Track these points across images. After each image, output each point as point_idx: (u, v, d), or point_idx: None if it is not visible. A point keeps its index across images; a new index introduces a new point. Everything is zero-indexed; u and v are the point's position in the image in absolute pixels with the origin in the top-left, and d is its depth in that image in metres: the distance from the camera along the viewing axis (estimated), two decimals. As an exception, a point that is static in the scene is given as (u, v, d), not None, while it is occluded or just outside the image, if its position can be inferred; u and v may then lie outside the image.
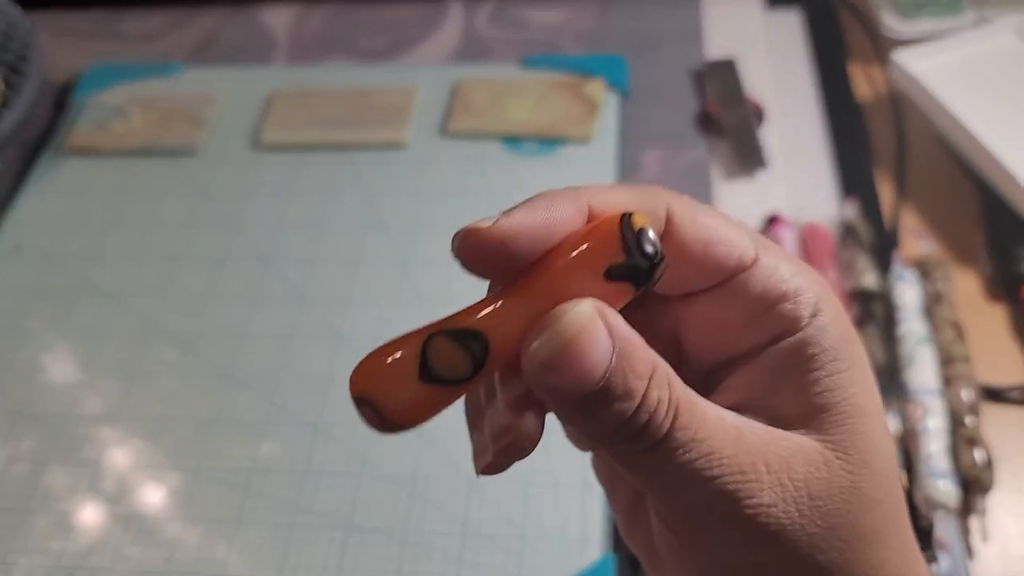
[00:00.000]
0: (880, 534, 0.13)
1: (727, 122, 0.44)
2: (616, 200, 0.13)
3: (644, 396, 0.12)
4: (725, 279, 0.13)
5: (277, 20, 0.54)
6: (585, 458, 0.34)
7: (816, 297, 0.13)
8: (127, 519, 0.33)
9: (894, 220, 0.40)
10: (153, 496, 0.34)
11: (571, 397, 0.12)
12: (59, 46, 0.54)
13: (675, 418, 0.12)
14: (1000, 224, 0.38)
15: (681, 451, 0.12)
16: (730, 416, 0.13)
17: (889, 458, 0.13)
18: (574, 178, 0.43)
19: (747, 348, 0.13)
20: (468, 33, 0.52)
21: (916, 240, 0.38)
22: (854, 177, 0.42)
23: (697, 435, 0.12)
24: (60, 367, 0.39)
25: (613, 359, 0.12)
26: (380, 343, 0.13)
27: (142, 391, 0.37)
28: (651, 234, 0.12)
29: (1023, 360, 0.35)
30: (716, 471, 0.12)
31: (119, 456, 0.35)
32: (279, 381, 0.37)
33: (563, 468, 0.33)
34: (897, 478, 0.14)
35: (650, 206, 0.13)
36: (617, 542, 0.31)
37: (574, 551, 0.31)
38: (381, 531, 0.32)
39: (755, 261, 0.13)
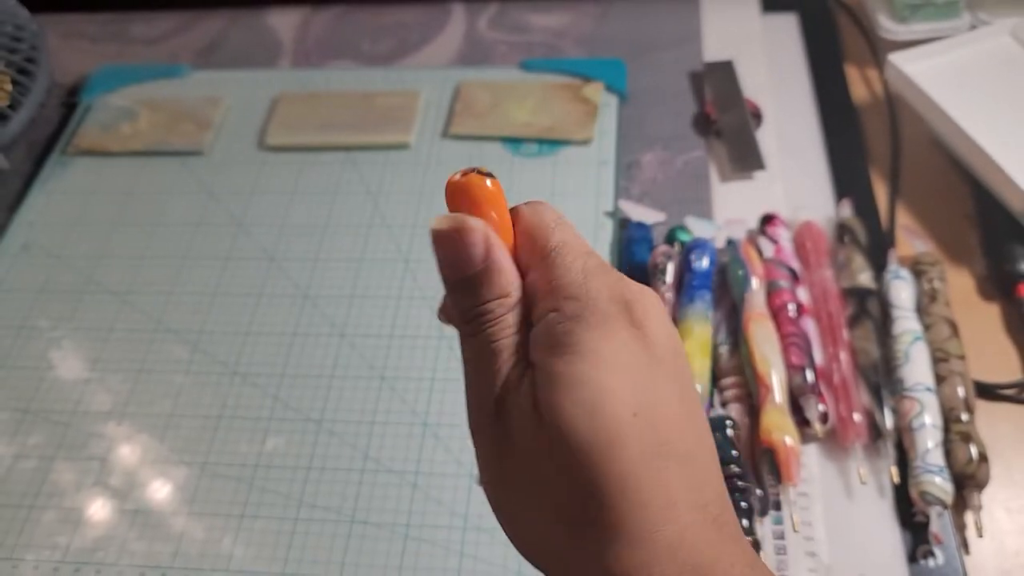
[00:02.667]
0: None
1: (725, 124, 0.45)
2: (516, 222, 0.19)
3: (486, 303, 0.17)
4: (532, 266, 0.18)
5: (282, 24, 0.55)
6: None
7: (569, 296, 0.17)
8: (133, 514, 0.34)
9: (889, 219, 0.41)
10: (159, 491, 0.34)
11: (449, 270, 0.18)
12: (67, 48, 0.55)
13: (492, 327, 0.17)
14: (994, 223, 0.39)
15: (483, 347, 0.18)
16: (519, 358, 0.18)
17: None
18: (574, 179, 0.44)
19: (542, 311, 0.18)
20: (470, 37, 0.53)
21: (911, 239, 0.39)
22: (850, 177, 0.43)
23: (488, 345, 0.18)
24: (67, 364, 0.39)
25: (481, 262, 0.17)
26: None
27: (148, 388, 0.38)
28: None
29: (1017, 357, 0.36)
30: (486, 365, 0.18)
31: (125, 452, 0.36)
32: (284, 378, 0.37)
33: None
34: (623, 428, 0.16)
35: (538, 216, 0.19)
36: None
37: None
38: (384, 525, 0.33)
39: (550, 252, 0.18)
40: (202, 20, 0.56)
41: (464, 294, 0.18)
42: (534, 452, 0.16)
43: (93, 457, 0.36)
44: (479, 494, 0.33)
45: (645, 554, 0.15)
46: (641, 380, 0.16)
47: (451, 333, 0.38)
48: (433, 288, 0.40)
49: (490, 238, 0.17)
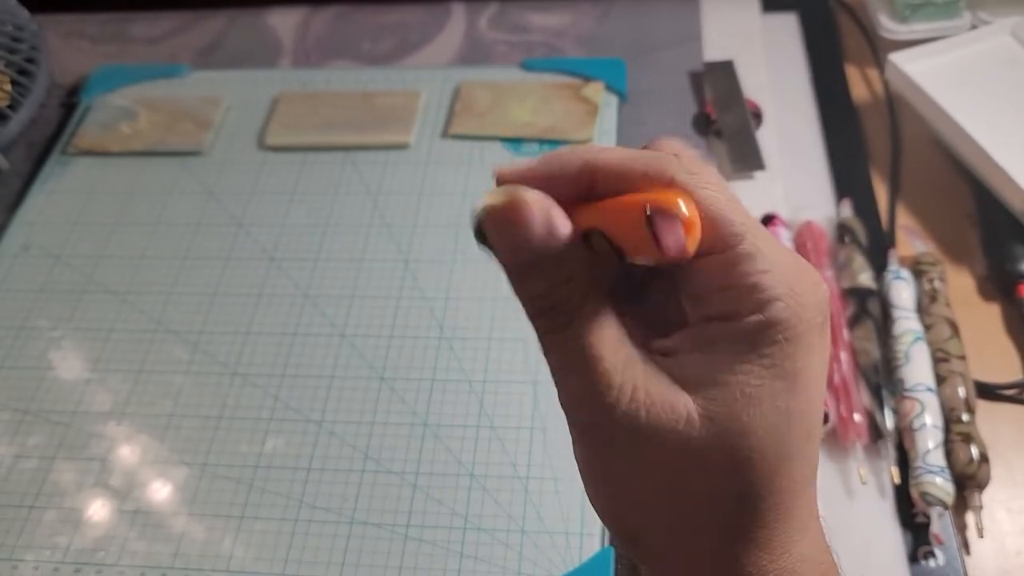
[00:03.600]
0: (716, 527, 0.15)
1: (725, 123, 0.45)
2: (622, 167, 0.15)
3: (557, 286, 0.15)
4: (712, 252, 0.15)
5: (282, 24, 0.55)
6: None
7: (775, 299, 0.14)
8: (133, 515, 0.34)
9: (890, 219, 0.41)
10: (159, 492, 0.35)
11: (506, 248, 0.15)
12: (67, 48, 0.55)
13: (573, 319, 0.15)
14: (995, 223, 0.39)
15: (567, 345, 0.15)
16: (628, 350, 0.15)
17: (765, 457, 0.15)
18: (574, 179, 0.43)
19: (705, 314, 0.15)
20: (470, 37, 0.53)
21: (911, 239, 0.39)
22: (850, 177, 0.43)
23: (586, 339, 0.15)
24: (67, 365, 0.39)
25: (541, 241, 0.15)
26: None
27: (149, 388, 0.38)
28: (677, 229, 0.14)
29: (1017, 357, 0.36)
30: (588, 365, 0.15)
31: (126, 452, 0.36)
32: (284, 378, 0.37)
33: (562, 463, 0.34)
34: (775, 484, 0.15)
35: (651, 169, 0.15)
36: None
37: (573, 545, 0.31)
38: (383, 526, 0.33)
39: (739, 242, 0.15)
40: (202, 20, 0.56)
41: (525, 278, 0.15)
42: (675, 460, 0.15)
43: (93, 457, 0.36)
44: (479, 494, 0.33)
45: (784, 562, 0.15)
46: (820, 399, 0.15)
47: (451, 333, 0.38)
48: (433, 288, 0.40)
49: (554, 210, 0.15)
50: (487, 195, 0.15)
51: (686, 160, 0.15)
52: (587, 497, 0.17)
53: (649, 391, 0.15)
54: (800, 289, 0.15)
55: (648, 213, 0.14)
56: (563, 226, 0.15)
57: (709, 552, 0.15)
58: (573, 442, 0.17)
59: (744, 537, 0.15)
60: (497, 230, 0.15)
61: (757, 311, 0.14)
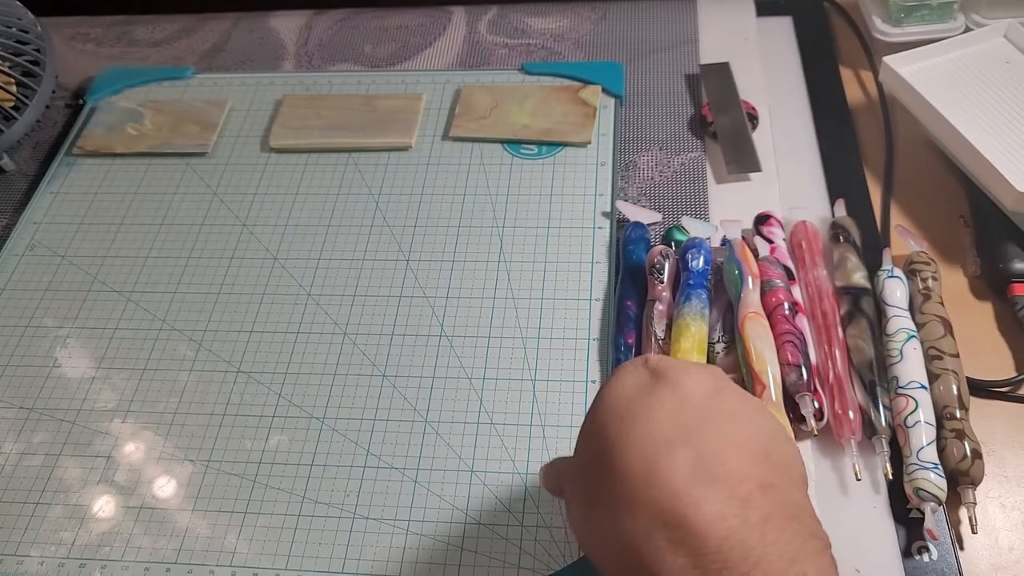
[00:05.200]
0: None
1: (721, 125, 0.45)
2: None
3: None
4: None
5: (286, 27, 0.56)
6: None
7: None
8: (138, 511, 0.34)
9: (883, 219, 0.41)
10: (164, 488, 0.35)
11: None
12: (72, 51, 0.56)
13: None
14: (987, 223, 0.39)
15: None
16: None
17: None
18: (573, 180, 0.44)
19: None
20: (470, 40, 0.53)
21: (905, 239, 0.39)
22: (844, 178, 0.43)
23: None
24: (73, 363, 0.40)
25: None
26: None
27: (153, 386, 0.38)
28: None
29: (1009, 355, 0.36)
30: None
31: (130, 449, 0.36)
32: (287, 376, 0.38)
33: (562, 460, 0.34)
34: None
35: None
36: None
37: (572, 539, 0.32)
38: (385, 520, 0.33)
39: None
40: (206, 23, 0.56)
41: None
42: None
43: (98, 454, 0.36)
44: (479, 489, 0.34)
45: None
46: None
47: (451, 332, 0.39)
48: (434, 287, 0.40)
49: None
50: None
51: None
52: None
53: None
54: None
55: None
56: None
57: None
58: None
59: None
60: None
61: None
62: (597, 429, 0.19)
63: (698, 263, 0.37)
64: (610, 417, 0.19)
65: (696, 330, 0.35)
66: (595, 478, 0.18)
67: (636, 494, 0.17)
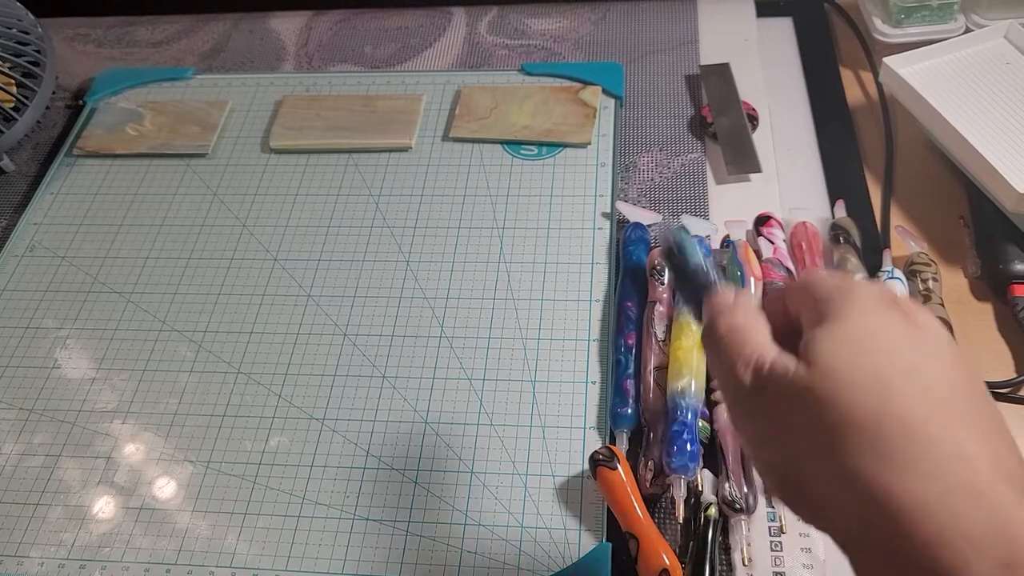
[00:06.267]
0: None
1: (721, 126, 0.45)
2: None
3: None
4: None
5: (286, 28, 0.56)
6: (581, 449, 0.34)
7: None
8: (138, 511, 0.34)
9: (883, 220, 0.41)
10: (164, 489, 0.35)
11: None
12: (72, 51, 0.56)
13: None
14: (987, 224, 0.39)
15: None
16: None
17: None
18: (573, 181, 0.44)
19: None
20: (471, 41, 0.53)
21: (905, 240, 0.39)
22: (845, 179, 0.43)
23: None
24: (73, 364, 0.40)
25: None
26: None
27: (154, 387, 0.38)
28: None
29: (1010, 356, 0.36)
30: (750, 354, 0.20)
31: (131, 450, 0.36)
32: (287, 376, 0.38)
33: (561, 458, 0.34)
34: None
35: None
36: (613, 531, 0.32)
37: (572, 540, 0.32)
38: (385, 522, 0.33)
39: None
40: (206, 24, 0.56)
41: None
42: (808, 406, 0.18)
43: (99, 455, 0.36)
44: (479, 490, 0.34)
45: (939, 489, 0.16)
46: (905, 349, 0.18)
47: (451, 333, 0.39)
48: (434, 288, 0.40)
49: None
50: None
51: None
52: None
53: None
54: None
55: None
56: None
57: (861, 485, 0.17)
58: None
59: (884, 460, 0.16)
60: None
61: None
62: (868, 375, 0.17)
63: (698, 264, 0.37)
64: (894, 370, 0.17)
65: (697, 329, 0.35)
66: (873, 430, 0.17)
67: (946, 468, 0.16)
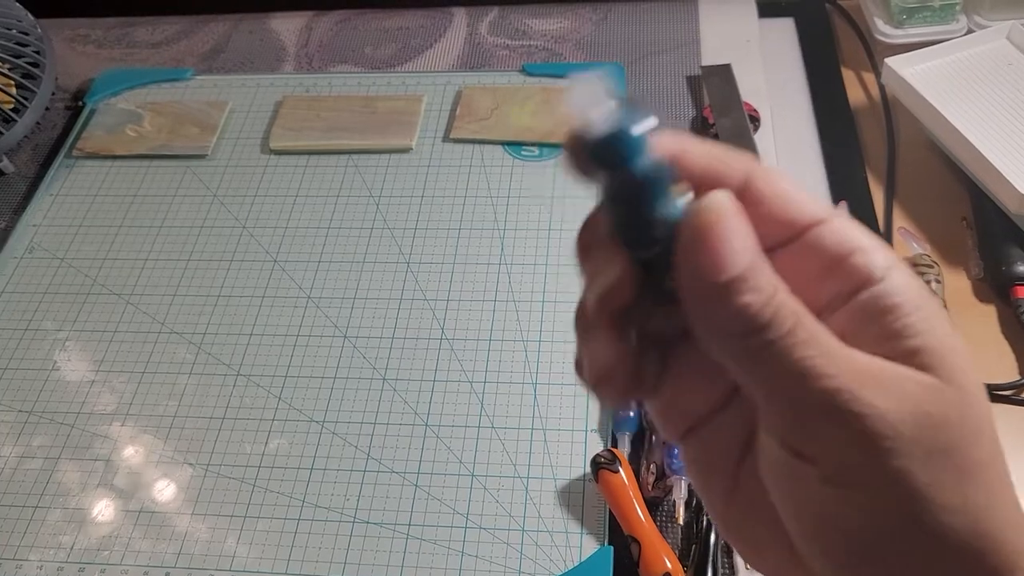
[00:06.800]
0: (989, 468, 0.13)
1: (723, 127, 0.45)
2: (694, 151, 0.14)
3: (774, 293, 0.13)
4: (799, 233, 0.14)
5: (286, 28, 0.56)
6: (583, 453, 0.34)
7: (888, 254, 0.14)
8: (137, 514, 0.34)
9: (886, 222, 0.41)
10: (163, 492, 0.35)
11: (709, 280, 0.13)
12: (72, 52, 0.55)
13: (797, 320, 0.13)
14: (990, 225, 0.39)
15: (800, 347, 0.13)
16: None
17: (986, 398, 0.14)
18: (574, 182, 0.44)
19: (825, 302, 0.14)
20: (471, 41, 0.53)
21: (908, 241, 0.39)
22: (847, 180, 0.43)
23: (814, 337, 0.13)
24: (72, 366, 0.39)
25: (751, 254, 0.13)
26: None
27: (153, 389, 0.38)
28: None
29: (1013, 358, 0.36)
30: (832, 370, 0.13)
31: (130, 453, 0.36)
32: (287, 379, 0.38)
33: (562, 462, 0.34)
34: (992, 418, 0.14)
35: (727, 165, 0.14)
36: (614, 534, 0.32)
37: (573, 543, 0.32)
38: (385, 525, 0.33)
39: (828, 218, 0.14)
40: (206, 25, 0.56)
41: (743, 291, 0.13)
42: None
43: (98, 458, 0.36)
44: (480, 493, 0.33)
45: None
46: None
47: (451, 335, 0.39)
48: (434, 290, 0.40)
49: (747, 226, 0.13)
50: (699, 209, 0.13)
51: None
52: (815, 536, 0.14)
53: (887, 367, 0.13)
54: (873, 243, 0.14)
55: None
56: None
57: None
58: (787, 471, 0.14)
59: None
60: (692, 250, 0.13)
61: (880, 268, 0.14)
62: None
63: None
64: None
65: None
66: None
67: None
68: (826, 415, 0.13)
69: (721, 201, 0.13)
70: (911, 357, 0.13)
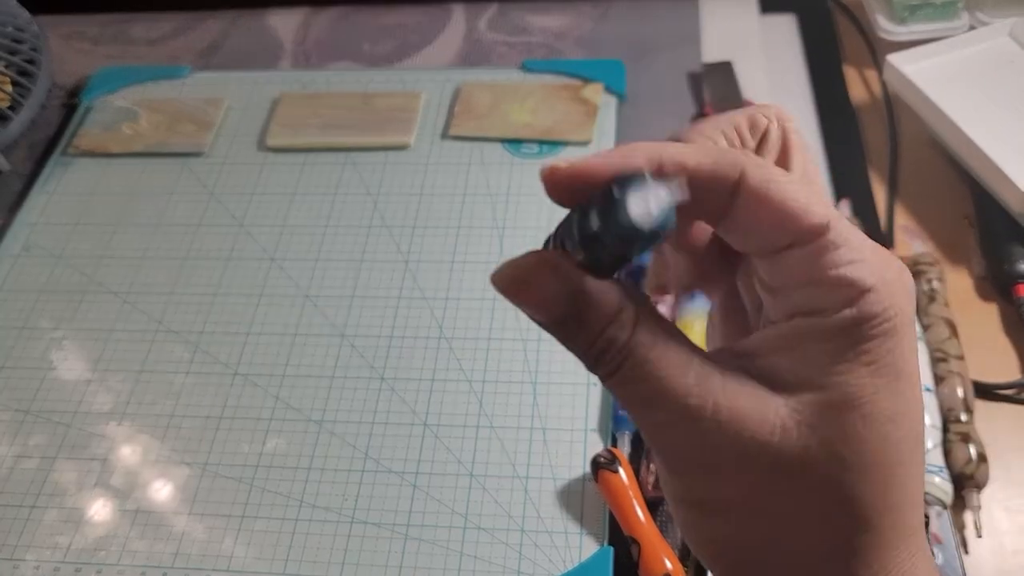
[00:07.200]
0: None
1: (724, 124, 0.45)
2: (684, 158, 0.14)
3: (600, 334, 0.14)
4: (793, 245, 0.14)
5: (283, 25, 0.55)
6: (582, 452, 0.34)
7: (866, 291, 0.13)
8: (134, 514, 0.34)
9: (888, 220, 0.41)
10: (160, 491, 0.35)
11: (538, 319, 0.14)
12: (68, 49, 0.55)
13: (627, 357, 0.14)
14: (993, 224, 0.39)
15: (631, 384, 0.14)
16: (697, 366, 0.14)
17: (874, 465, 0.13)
18: (574, 179, 0.44)
19: (789, 310, 0.14)
20: (470, 38, 0.53)
21: (910, 239, 0.39)
22: (849, 178, 0.43)
23: (650, 371, 0.14)
24: (68, 365, 0.39)
25: (565, 300, 0.14)
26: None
27: (149, 388, 0.38)
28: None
29: (1015, 357, 0.36)
30: (663, 403, 0.14)
31: (126, 452, 0.36)
32: (284, 378, 0.38)
33: (562, 461, 0.34)
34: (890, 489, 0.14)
35: (721, 166, 0.14)
36: (614, 535, 0.31)
37: (573, 544, 0.32)
38: (384, 525, 0.33)
39: (822, 233, 0.13)
40: (203, 21, 0.56)
41: (569, 336, 0.14)
42: (771, 478, 0.13)
43: (94, 457, 0.36)
44: (479, 494, 0.33)
45: (899, 558, 0.14)
46: (920, 396, 0.14)
47: (450, 334, 0.38)
48: (433, 288, 0.40)
49: (563, 267, 0.14)
50: (497, 271, 0.14)
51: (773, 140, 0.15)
52: (688, 540, 0.15)
53: (732, 405, 0.13)
54: (890, 277, 0.13)
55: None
56: (587, 284, 0.14)
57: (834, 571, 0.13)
58: (663, 481, 0.15)
59: (861, 562, 0.13)
60: (516, 300, 0.14)
61: (848, 304, 0.13)
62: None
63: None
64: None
65: (700, 328, 0.35)
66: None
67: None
68: (665, 443, 0.14)
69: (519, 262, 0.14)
70: (804, 392, 0.13)
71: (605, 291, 0.14)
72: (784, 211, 0.13)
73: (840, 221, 0.14)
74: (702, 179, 0.14)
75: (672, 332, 0.14)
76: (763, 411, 0.13)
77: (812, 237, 0.13)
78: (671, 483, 0.15)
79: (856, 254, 0.13)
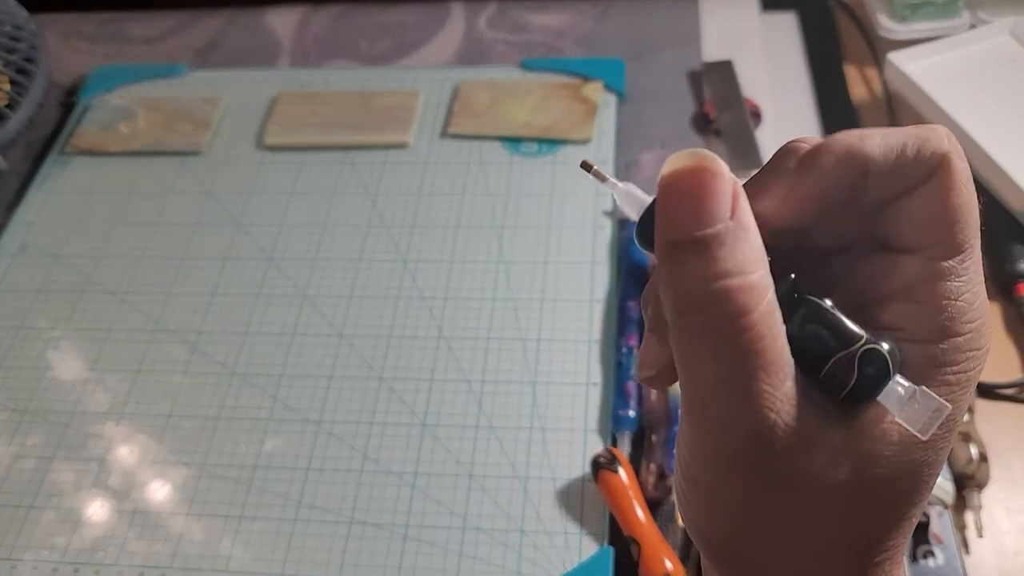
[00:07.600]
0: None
1: (724, 123, 0.45)
2: (890, 153, 0.13)
3: (742, 272, 0.12)
4: (918, 252, 0.13)
5: (281, 23, 0.55)
6: (582, 453, 0.34)
7: (959, 335, 0.13)
8: (132, 515, 0.34)
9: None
10: (158, 492, 0.34)
11: (675, 226, 0.13)
12: (66, 48, 0.55)
13: (752, 321, 0.12)
14: (994, 223, 0.39)
15: (739, 349, 0.12)
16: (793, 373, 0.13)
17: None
18: (573, 178, 0.43)
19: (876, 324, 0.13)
20: (469, 36, 0.53)
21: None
22: (850, 177, 0.42)
23: (758, 346, 0.12)
24: (66, 365, 0.39)
25: (727, 223, 0.12)
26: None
27: (147, 388, 0.38)
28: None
29: (1017, 357, 0.36)
30: (750, 382, 0.12)
31: (124, 452, 0.36)
32: (282, 378, 0.37)
33: (562, 462, 0.34)
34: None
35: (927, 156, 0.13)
36: (615, 535, 0.31)
37: (572, 544, 0.31)
38: (382, 526, 0.33)
39: (957, 254, 0.13)
40: (201, 20, 0.56)
41: (695, 262, 0.12)
42: (818, 506, 0.13)
43: (92, 457, 0.36)
44: (478, 494, 0.33)
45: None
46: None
47: (450, 333, 0.38)
48: (431, 288, 0.40)
49: (739, 190, 0.13)
50: (670, 160, 0.13)
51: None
52: (690, 526, 0.14)
53: (803, 426, 0.12)
54: (984, 330, 0.13)
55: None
56: (750, 216, 0.13)
57: None
58: (686, 465, 0.14)
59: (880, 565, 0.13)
60: (673, 196, 0.13)
61: (940, 340, 0.13)
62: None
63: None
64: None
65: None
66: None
67: None
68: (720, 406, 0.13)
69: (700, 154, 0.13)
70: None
71: (758, 244, 0.13)
72: (945, 213, 0.13)
73: (976, 246, 0.13)
74: (906, 170, 0.13)
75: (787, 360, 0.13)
76: (823, 439, 0.13)
77: (944, 254, 0.13)
78: (707, 476, 0.14)
79: (974, 293, 0.13)
